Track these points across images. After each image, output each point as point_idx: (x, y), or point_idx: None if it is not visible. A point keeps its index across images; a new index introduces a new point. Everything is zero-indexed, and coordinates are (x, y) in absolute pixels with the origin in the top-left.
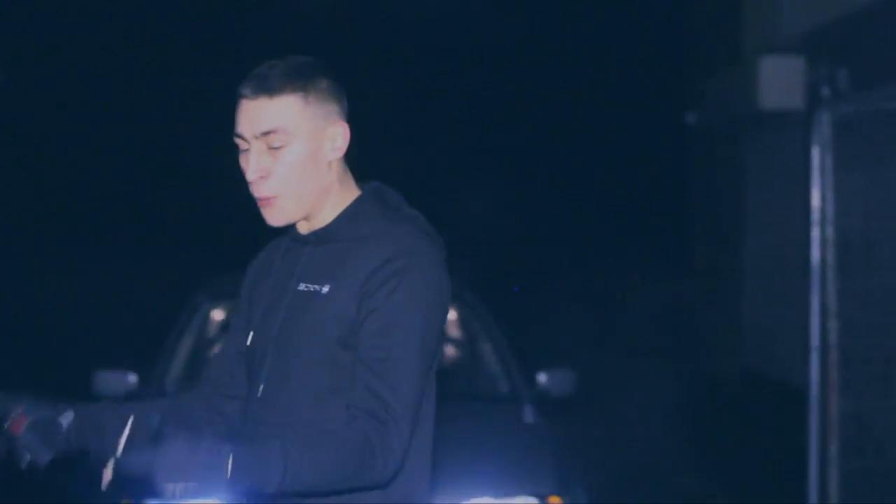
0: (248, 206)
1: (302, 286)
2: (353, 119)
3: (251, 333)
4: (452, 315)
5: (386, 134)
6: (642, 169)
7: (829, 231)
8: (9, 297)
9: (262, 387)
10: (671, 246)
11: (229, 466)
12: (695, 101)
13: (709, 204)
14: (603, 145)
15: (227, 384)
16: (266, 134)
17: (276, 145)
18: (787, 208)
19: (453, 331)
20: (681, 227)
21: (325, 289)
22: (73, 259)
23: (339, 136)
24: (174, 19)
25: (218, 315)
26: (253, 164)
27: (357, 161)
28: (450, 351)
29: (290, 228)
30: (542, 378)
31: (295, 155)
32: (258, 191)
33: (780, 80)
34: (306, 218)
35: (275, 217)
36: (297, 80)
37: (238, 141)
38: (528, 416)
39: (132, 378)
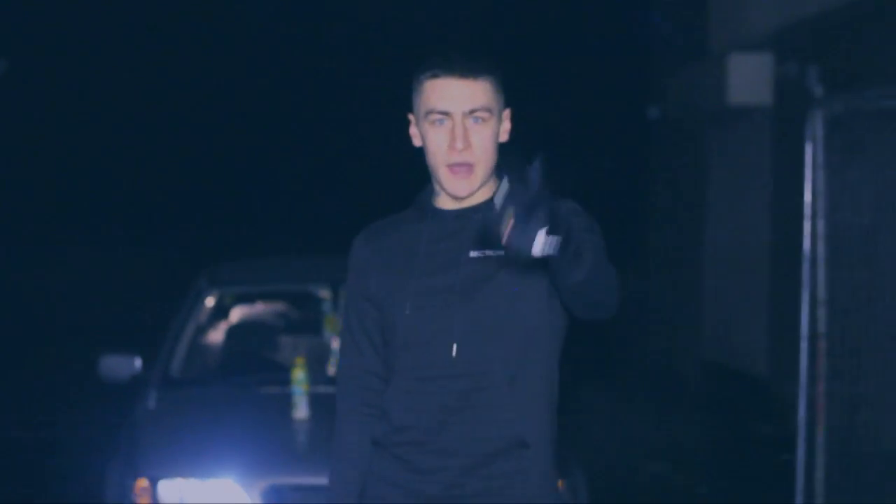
0: (247, 196)
1: (475, 253)
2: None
3: (408, 303)
4: None
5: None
6: (604, 161)
7: (820, 225)
8: (16, 284)
9: (455, 346)
10: (632, 238)
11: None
12: (659, 95)
13: (670, 197)
14: (566, 138)
15: (376, 366)
16: (473, 111)
17: (479, 121)
18: (749, 202)
19: None
20: (642, 220)
21: None
22: (77, 247)
23: (508, 120)
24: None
25: (218, 301)
26: (460, 135)
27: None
28: None
29: (412, 208)
30: None
31: (491, 130)
32: (461, 157)
33: (748, 77)
34: (468, 194)
35: (465, 184)
36: (491, 66)
37: (435, 116)
38: None
39: (137, 363)
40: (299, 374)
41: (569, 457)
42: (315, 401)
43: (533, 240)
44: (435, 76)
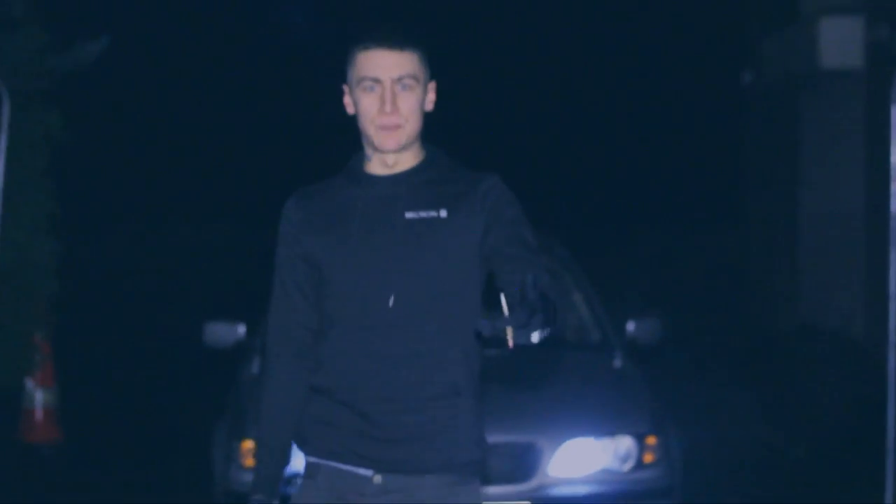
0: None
1: (410, 214)
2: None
3: (349, 261)
4: None
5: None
6: (699, 126)
7: None
8: (126, 254)
9: (392, 297)
10: (727, 203)
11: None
12: (752, 60)
13: (765, 160)
14: (661, 104)
15: (310, 321)
16: (400, 78)
17: (406, 88)
18: (843, 165)
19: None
20: (737, 183)
21: (443, 213)
22: (183, 217)
23: (433, 91)
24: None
25: None
26: (389, 99)
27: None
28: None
29: (342, 175)
30: (630, 327)
31: (416, 97)
32: (389, 119)
33: (839, 40)
34: (393, 161)
35: (394, 140)
36: (417, 40)
37: (367, 83)
38: (618, 362)
39: (241, 329)
40: None
41: (662, 415)
42: None
43: (530, 338)
44: (367, 48)
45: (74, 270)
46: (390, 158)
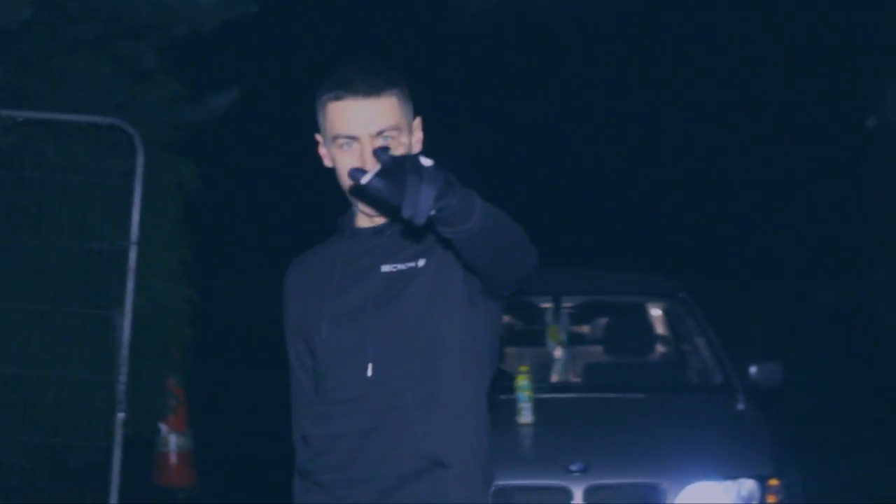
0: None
1: (387, 268)
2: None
3: (324, 325)
4: (659, 312)
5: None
6: (823, 171)
7: None
8: (258, 299)
9: (370, 366)
10: (853, 246)
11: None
12: (875, 104)
13: (890, 204)
14: (785, 149)
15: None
16: (381, 132)
17: (388, 139)
18: None
19: (664, 327)
20: (862, 227)
21: (421, 262)
22: None
23: (419, 129)
24: None
25: None
26: (369, 159)
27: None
28: (662, 346)
29: (337, 229)
30: (752, 370)
31: (402, 148)
32: None
33: None
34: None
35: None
36: (395, 79)
37: (342, 140)
38: (741, 405)
39: None
40: (523, 382)
41: (785, 458)
42: (539, 406)
43: (426, 200)
44: (338, 97)
45: (207, 316)
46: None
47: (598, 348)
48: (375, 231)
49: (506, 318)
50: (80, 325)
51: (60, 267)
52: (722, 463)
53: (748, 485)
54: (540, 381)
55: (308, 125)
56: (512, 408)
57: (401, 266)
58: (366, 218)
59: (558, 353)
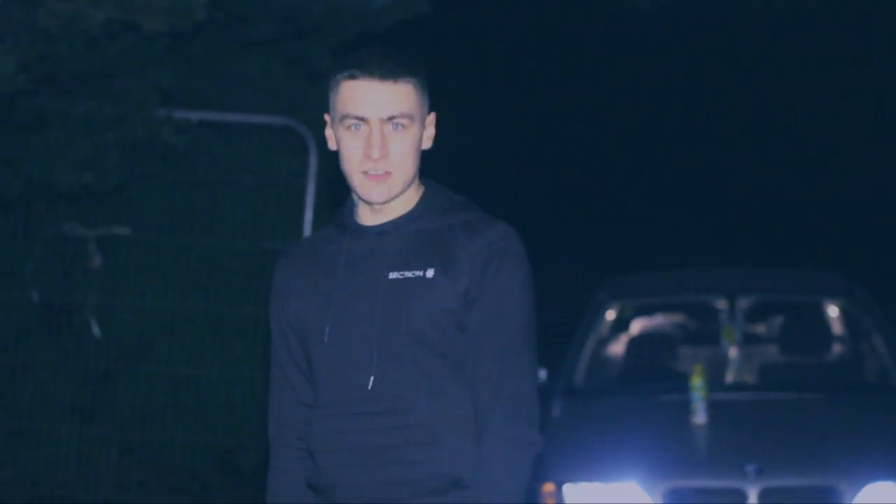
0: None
1: (394, 275)
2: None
3: (326, 329)
4: (835, 311)
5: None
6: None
7: None
8: None
9: (371, 378)
10: None
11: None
12: None
13: None
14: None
15: (308, 396)
16: (392, 118)
17: (399, 128)
18: None
19: (841, 326)
20: None
21: (430, 273)
22: None
23: (432, 125)
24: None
25: (619, 313)
26: (377, 143)
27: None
28: (838, 345)
29: (333, 225)
30: None
31: (412, 138)
32: (376, 167)
33: None
34: (381, 207)
35: (381, 190)
36: (414, 67)
37: (351, 121)
38: None
39: (542, 373)
40: (698, 382)
41: None
42: (713, 407)
43: None
44: (352, 77)
45: None
46: (378, 205)
47: (774, 348)
48: (380, 231)
49: (680, 318)
50: (253, 325)
51: (233, 268)
52: None
53: None
54: (714, 381)
55: (472, 125)
56: (685, 408)
57: (408, 274)
58: (368, 212)
59: (733, 352)
